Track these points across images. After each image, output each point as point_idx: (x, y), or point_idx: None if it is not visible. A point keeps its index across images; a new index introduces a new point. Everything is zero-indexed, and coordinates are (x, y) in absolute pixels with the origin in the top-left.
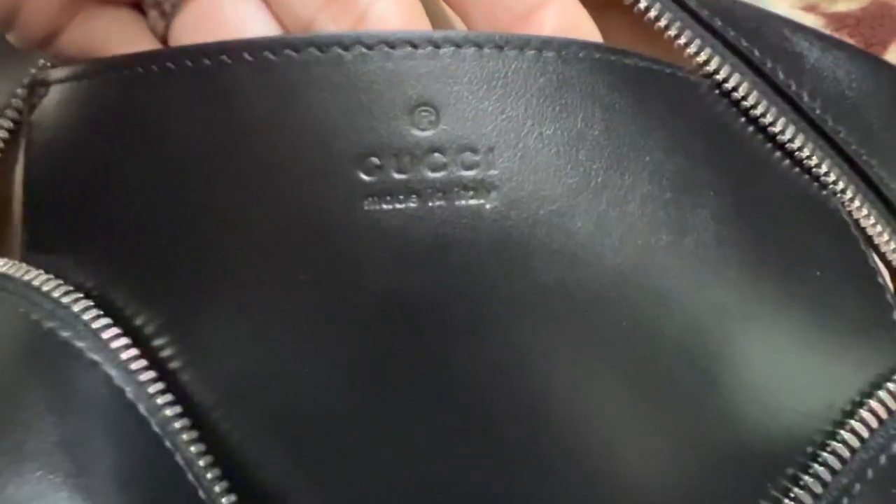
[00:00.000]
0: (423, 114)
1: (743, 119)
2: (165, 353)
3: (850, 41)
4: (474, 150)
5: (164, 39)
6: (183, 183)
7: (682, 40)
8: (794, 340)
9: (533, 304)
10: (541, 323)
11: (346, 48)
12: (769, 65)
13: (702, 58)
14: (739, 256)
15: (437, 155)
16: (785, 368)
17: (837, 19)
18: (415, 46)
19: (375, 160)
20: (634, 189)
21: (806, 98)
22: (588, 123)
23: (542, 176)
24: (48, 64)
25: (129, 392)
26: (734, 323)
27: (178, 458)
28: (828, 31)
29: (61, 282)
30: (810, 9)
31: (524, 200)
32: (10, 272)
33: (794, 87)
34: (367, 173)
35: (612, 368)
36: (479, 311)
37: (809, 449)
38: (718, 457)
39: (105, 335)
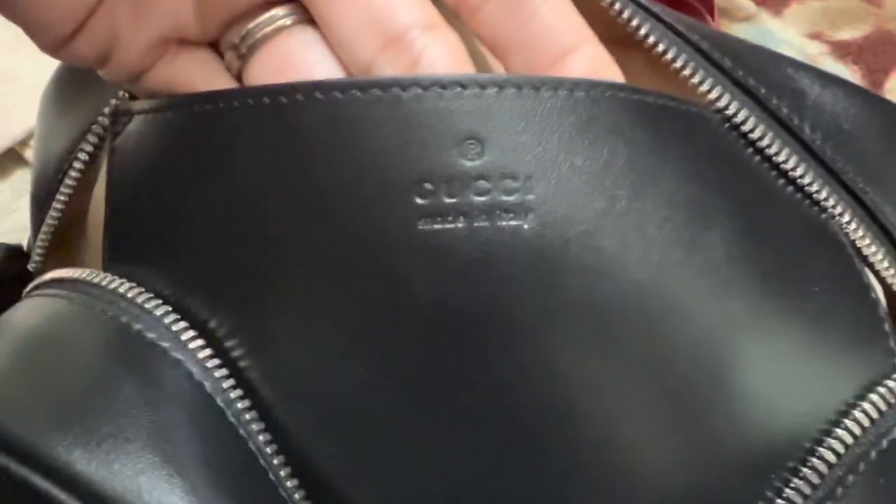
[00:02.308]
0: (471, 146)
1: (751, 150)
2: (235, 353)
3: (854, 67)
4: (514, 178)
5: (238, 78)
6: (251, 205)
7: (695, 79)
8: (795, 349)
9: (563, 314)
10: (570, 332)
11: (404, 89)
12: (774, 101)
13: (713, 95)
14: (747, 273)
15: (482, 182)
16: (787, 374)
17: (841, 46)
18: (464, 87)
19: (429, 186)
20: (653, 213)
21: (807, 131)
22: (613, 155)
23: (573, 201)
24: (128, 95)
25: (208, 386)
26: (742, 333)
27: (251, 445)
28: (832, 58)
29: (143, 289)
30: (815, 36)
31: (557, 222)
32: (97, 280)
33: (796, 122)
34: (422, 197)
35: (633, 374)
36: (515, 320)
37: (808, 445)
38: (728, 453)
39: (184, 337)
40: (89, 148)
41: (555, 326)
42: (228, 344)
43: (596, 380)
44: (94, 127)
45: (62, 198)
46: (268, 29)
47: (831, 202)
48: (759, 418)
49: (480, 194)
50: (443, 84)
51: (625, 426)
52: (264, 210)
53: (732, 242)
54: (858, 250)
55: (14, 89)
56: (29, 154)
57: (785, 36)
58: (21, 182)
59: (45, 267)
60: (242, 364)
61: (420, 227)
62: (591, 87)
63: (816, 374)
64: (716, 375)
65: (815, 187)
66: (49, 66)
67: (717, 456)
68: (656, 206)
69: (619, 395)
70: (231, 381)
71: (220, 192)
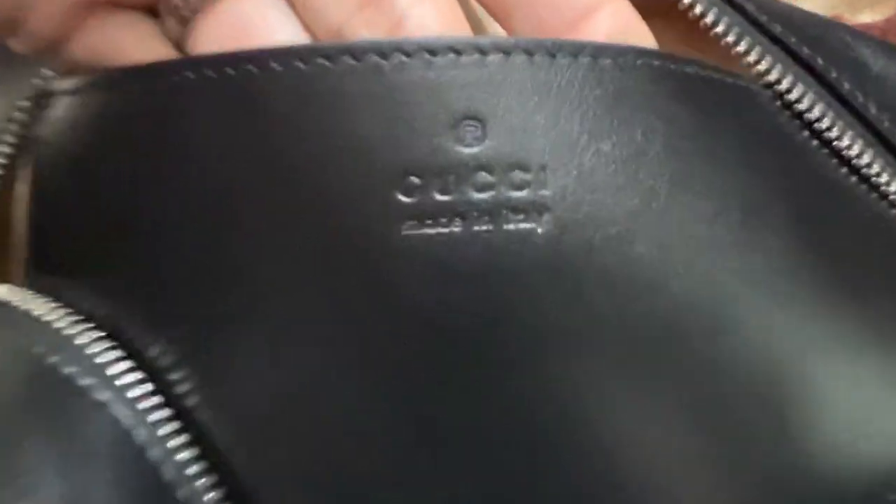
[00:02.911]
0: (469, 128)
1: (807, 133)
2: (182, 387)
3: None
4: (525, 169)
5: (181, 47)
6: (205, 204)
7: (740, 48)
8: (875, 373)
9: (589, 338)
10: (597, 361)
11: (383, 56)
12: (834, 74)
13: (762, 66)
14: (815, 281)
15: (483, 174)
16: (867, 404)
17: (862, 30)
18: (459, 53)
19: (416, 180)
20: (700, 209)
21: (873, 110)
22: (648, 138)
23: (599, 197)
24: (53, 74)
25: (138, 434)
26: (812, 356)
27: None
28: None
29: (68, 310)
30: (834, 19)
31: (579, 224)
32: (11, 300)
33: (860, 99)
34: (407, 194)
35: (675, 410)
36: (528, 346)
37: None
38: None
39: (112, 370)
40: (11, 139)
41: (578, 354)
42: (174, 376)
43: (629, 418)
44: (16, 114)
45: None
46: None
47: None
48: (834, 460)
49: (481, 190)
50: (432, 49)
51: (664, 475)
52: (217, 211)
53: (797, 244)
54: None
55: None
56: None
57: None
58: None
59: None
60: (191, 402)
61: (405, 233)
62: (619, 53)
63: None
64: (779, 409)
65: (884, 178)
66: None
67: None
68: (702, 201)
69: (657, 438)
70: (174, 425)
71: (165, 187)
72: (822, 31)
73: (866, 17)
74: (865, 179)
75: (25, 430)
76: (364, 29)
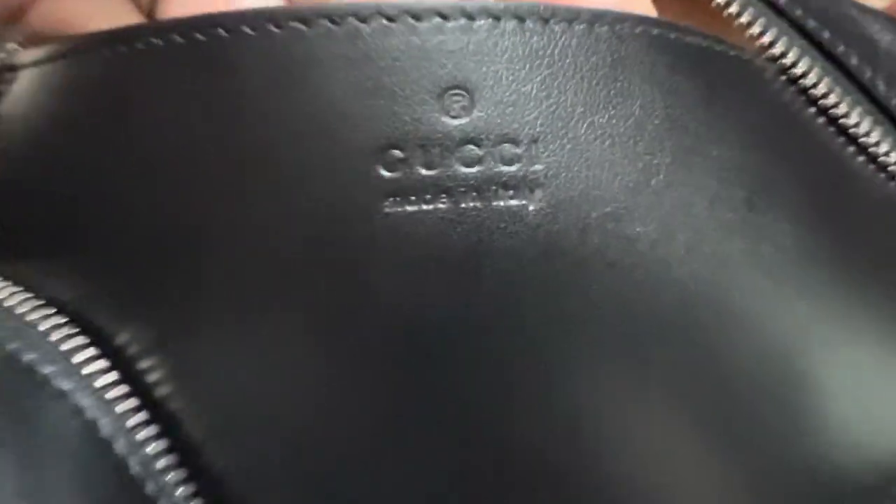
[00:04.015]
0: (455, 98)
1: (813, 109)
2: (151, 377)
3: None
4: (515, 142)
5: (150, 14)
6: (174, 179)
7: (744, 19)
8: (885, 362)
9: (582, 325)
10: (591, 349)
11: (363, 20)
12: (841, 48)
13: (767, 39)
14: (821, 265)
15: (471, 147)
16: (876, 395)
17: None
18: (445, 18)
19: (398, 153)
20: (702, 188)
21: (882, 87)
22: (647, 110)
23: (594, 172)
24: (16, 46)
25: (104, 425)
26: (820, 345)
27: None
28: None
29: (30, 295)
30: None
31: (574, 201)
32: None
33: (868, 75)
34: (389, 169)
35: (676, 401)
36: (519, 332)
37: None
38: (800, 497)
39: (77, 358)
40: None
41: (571, 342)
42: (142, 365)
43: (626, 409)
44: None
45: None
46: None
47: None
48: (841, 452)
49: (469, 164)
50: (416, 14)
51: (665, 467)
52: (187, 188)
53: (803, 227)
54: None
55: None
56: None
57: None
58: None
59: None
60: (160, 392)
61: (386, 210)
62: (617, 20)
63: None
64: (786, 399)
65: (892, 157)
66: None
67: (786, 501)
68: (705, 178)
69: (657, 429)
70: (141, 416)
71: (130, 164)
72: (828, 3)
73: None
74: (873, 159)
75: None
76: None
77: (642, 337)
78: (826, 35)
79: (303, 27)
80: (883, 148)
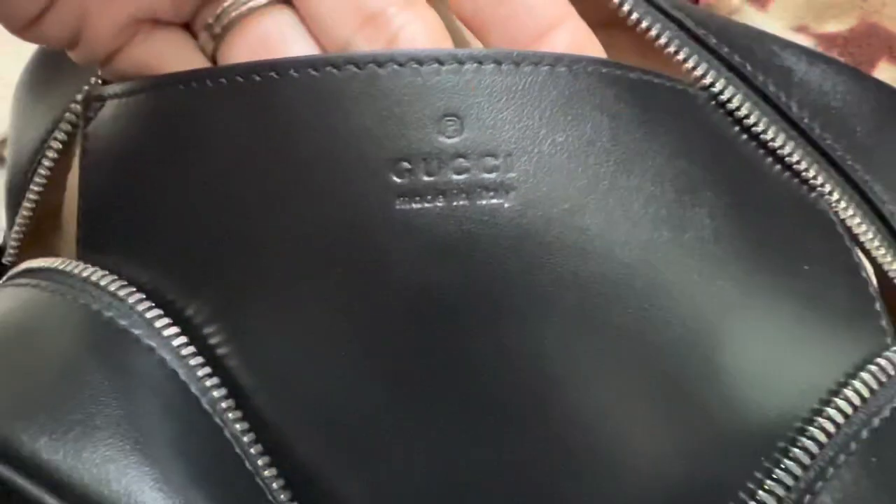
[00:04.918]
0: (449, 123)
1: (737, 128)
2: (212, 340)
3: (840, 60)
4: (494, 155)
5: (213, 59)
6: (228, 186)
7: (680, 56)
8: (786, 327)
9: (549, 295)
10: (556, 313)
11: (380, 65)
12: (760, 78)
13: (699, 72)
14: (737, 251)
15: (461, 160)
16: (778, 353)
17: (827, 39)
18: (441, 63)
19: (406, 164)
20: (639, 190)
21: (795, 108)
22: (596, 131)
23: (555, 178)
24: (101, 81)
25: (182, 374)
26: (733, 312)
27: (227, 433)
28: (818, 51)
29: (116, 277)
30: (801, 29)
31: (539, 200)
32: (69, 269)
33: (783, 99)
34: (399, 176)
35: (622, 355)
36: (499, 302)
37: (799, 425)
38: (719, 434)
39: (158, 324)
40: (62, 136)
41: (540, 308)
42: (206, 331)
43: (584, 362)
44: (66, 115)
45: (36, 188)
46: (243, 8)
47: (820, 180)
48: (750, 399)
49: (459, 172)
50: (419, 60)
51: (614, 409)
52: (240, 192)
53: (721, 220)
54: (848, 229)
55: None
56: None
57: (770, 30)
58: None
59: (19, 261)
60: (220, 352)
61: (398, 207)
62: (574, 62)
63: (807, 354)
64: (706, 355)
65: (803, 165)
66: None
67: (707, 437)
68: (642, 183)
69: (608, 378)
70: (207, 369)
71: (196, 175)
72: (751, 41)
73: (831, 27)
74: (788, 167)
75: (92, 368)
76: (365, 44)
77: (595, 303)
78: (748, 67)
79: (335, 71)
80: (795, 158)
